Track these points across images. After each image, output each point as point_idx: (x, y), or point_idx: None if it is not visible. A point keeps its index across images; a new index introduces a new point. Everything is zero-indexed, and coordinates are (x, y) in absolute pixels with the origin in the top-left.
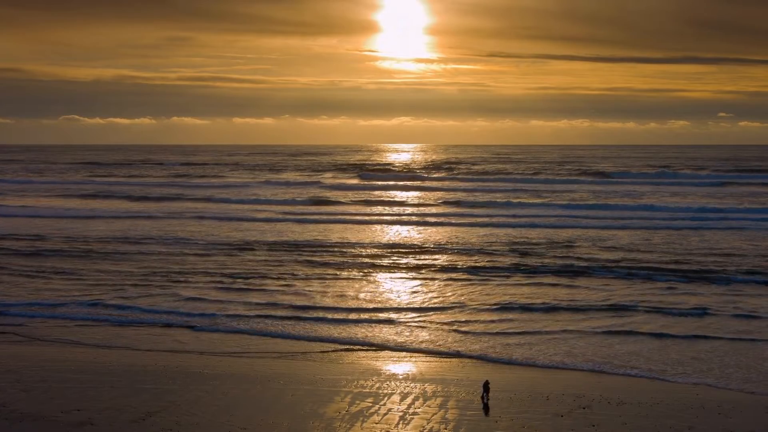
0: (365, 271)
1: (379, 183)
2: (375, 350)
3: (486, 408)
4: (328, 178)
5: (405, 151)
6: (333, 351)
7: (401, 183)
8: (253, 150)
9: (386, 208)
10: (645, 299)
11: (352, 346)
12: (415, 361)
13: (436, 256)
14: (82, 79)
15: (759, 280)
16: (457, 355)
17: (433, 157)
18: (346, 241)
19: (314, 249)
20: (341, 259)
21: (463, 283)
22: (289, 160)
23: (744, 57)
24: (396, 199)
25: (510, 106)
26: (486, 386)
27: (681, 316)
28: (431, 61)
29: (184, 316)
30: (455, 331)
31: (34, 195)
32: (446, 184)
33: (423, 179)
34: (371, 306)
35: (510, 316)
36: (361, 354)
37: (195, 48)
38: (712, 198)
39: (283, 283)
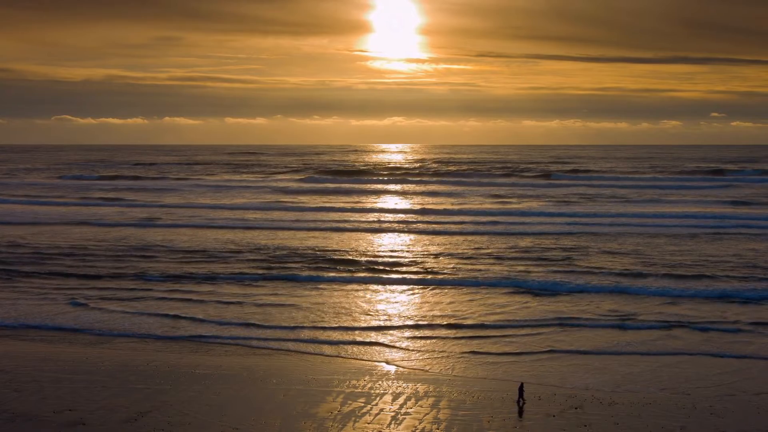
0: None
1: (327, 186)
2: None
3: (521, 411)
4: (278, 180)
5: (389, 152)
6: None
7: (347, 186)
8: (239, 150)
9: (316, 213)
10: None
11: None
12: (408, 362)
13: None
14: (72, 79)
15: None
16: (449, 374)
17: (410, 157)
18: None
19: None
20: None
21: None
22: (268, 160)
23: (735, 57)
24: (329, 205)
25: (501, 106)
26: (521, 389)
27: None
28: (422, 61)
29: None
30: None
31: None
32: (402, 187)
33: (375, 182)
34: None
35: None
36: (354, 354)
37: (185, 48)
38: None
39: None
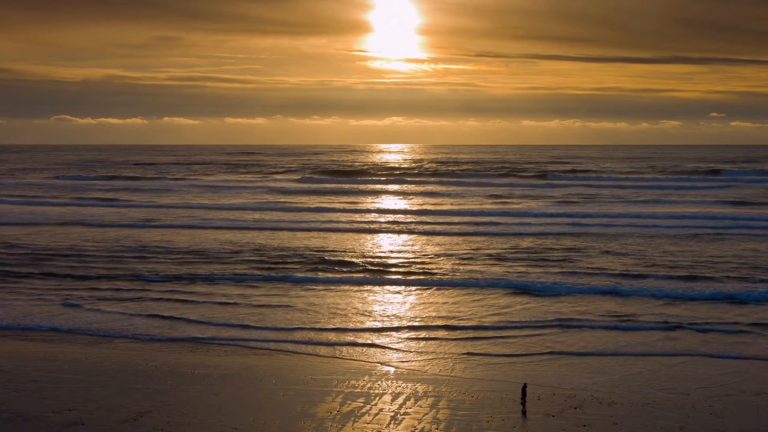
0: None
1: (326, 186)
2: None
3: (524, 411)
4: (276, 180)
5: (388, 152)
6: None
7: (347, 186)
8: (238, 150)
9: (314, 213)
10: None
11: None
12: (407, 362)
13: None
14: (71, 78)
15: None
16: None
17: (409, 157)
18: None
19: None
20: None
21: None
22: (267, 160)
23: (734, 57)
24: (328, 205)
25: (500, 106)
26: (524, 390)
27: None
28: (421, 61)
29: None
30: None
31: None
32: (401, 187)
33: (374, 182)
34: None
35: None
36: (353, 355)
37: (184, 48)
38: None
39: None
